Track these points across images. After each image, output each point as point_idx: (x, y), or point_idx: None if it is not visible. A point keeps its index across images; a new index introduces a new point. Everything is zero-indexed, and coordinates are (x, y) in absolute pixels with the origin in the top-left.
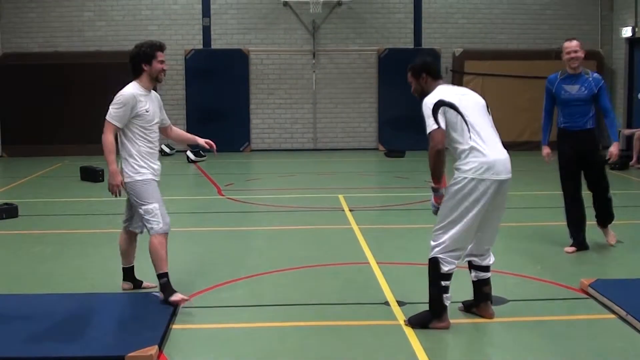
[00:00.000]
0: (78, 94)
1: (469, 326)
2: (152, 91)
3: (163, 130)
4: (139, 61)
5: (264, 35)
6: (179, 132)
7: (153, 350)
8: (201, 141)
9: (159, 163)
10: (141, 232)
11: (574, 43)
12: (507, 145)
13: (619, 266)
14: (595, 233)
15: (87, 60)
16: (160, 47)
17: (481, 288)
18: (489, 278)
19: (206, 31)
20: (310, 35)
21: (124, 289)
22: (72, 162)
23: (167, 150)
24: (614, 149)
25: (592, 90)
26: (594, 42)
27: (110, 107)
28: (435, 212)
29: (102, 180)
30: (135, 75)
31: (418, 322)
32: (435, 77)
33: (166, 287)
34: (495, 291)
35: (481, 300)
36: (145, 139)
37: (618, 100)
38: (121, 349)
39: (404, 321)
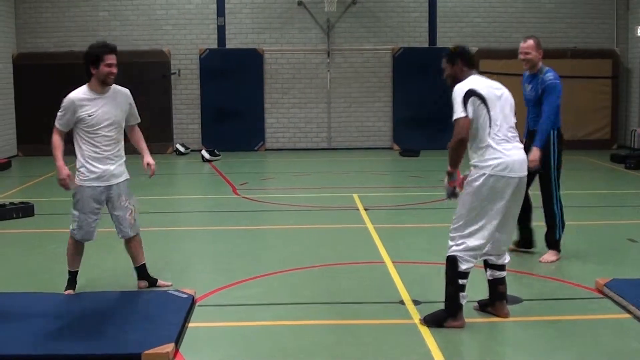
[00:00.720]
0: None
1: (484, 325)
2: (119, 90)
3: (127, 130)
4: (87, 64)
5: (278, 35)
6: (137, 138)
7: (169, 348)
8: (144, 161)
9: (105, 167)
10: (122, 237)
11: (527, 43)
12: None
13: (634, 266)
14: (606, 233)
15: None
16: (110, 50)
17: (497, 287)
18: (504, 277)
19: (221, 30)
20: (325, 34)
21: (140, 287)
22: None
23: (181, 149)
24: (532, 156)
25: (538, 91)
26: (609, 41)
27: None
28: (450, 196)
29: None
30: (87, 77)
31: (433, 321)
32: (470, 65)
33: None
34: (510, 290)
35: (496, 299)
36: (89, 142)
37: (633, 99)
38: (138, 346)
39: (419, 320)
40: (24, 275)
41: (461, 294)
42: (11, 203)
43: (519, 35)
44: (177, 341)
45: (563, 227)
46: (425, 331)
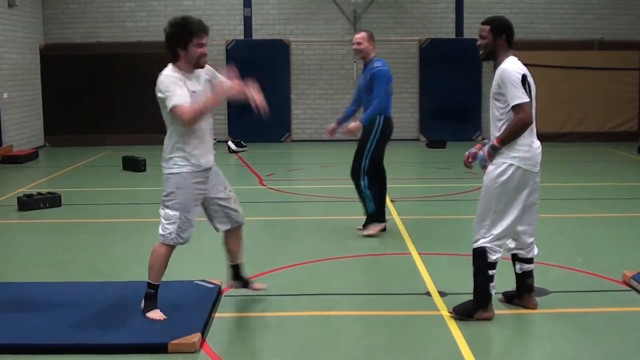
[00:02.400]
0: (120, 85)
1: (510, 317)
2: (199, 69)
3: None
4: (174, 44)
5: (305, 26)
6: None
7: (196, 337)
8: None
9: (206, 155)
10: (234, 224)
11: (360, 35)
12: (548, 137)
13: None
14: (634, 226)
15: (128, 50)
16: (202, 28)
17: (525, 280)
18: (532, 270)
19: (247, 21)
20: (352, 25)
21: (231, 288)
22: (114, 152)
23: None
24: (350, 126)
25: (367, 79)
26: (636, 33)
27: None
28: (482, 165)
29: (144, 170)
30: (172, 60)
31: (463, 313)
32: (511, 44)
33: (147, 298)
34: (537, 283)
35: (524, 292)
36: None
37: None
38: (164, 336)
39: (449, 311)
40: (51, 264)
41: (491, 284)
42: (38, 193)
43: (546, 26)
44: (204, 331)
45: (376, 203)
46: (451, 322)
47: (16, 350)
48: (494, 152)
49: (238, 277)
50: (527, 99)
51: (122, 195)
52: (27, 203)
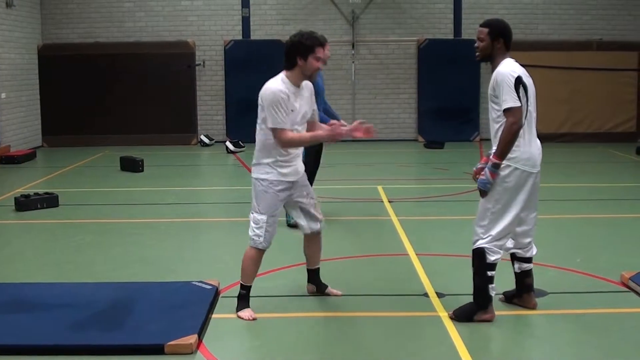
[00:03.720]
0: (118, 85)
1: (509, 318)
2: (307, 83)
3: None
4: (294, 53)
5: (303, 26)
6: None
7: (193, 339)
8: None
9: (293, 164)
10: (313, 231)
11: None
12: (547, 137)
13: None
14: (632, 226)
15: (126, 50)
16: (323, 42)
17: (524, 279)
18: (531, 269)
19: (245, 22)
20: (350, 25)
21: (308, 292)
22: (112, 152)
23: (206, 140)
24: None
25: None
26: (635, 33)
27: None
28: (486, 189)
29: (142, 171)
30: (288, 67)
31: (463, 315)
32: (508, 47)
33: (240, 299)
34: (535, 283)
35: (524, 292)
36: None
37: None
38: (161, 337)
39: (448, 314)
40: (48, 265)
41: (490, 285)
42: (36, 193)
43: (545, 27)
44: (201, 332)
45: None
46: (449, 323)
47: (12, 351)
48: (496, 169)
49: (314, 281)
50: (518, 104)
51: (120, 196)
52: (24, 203)
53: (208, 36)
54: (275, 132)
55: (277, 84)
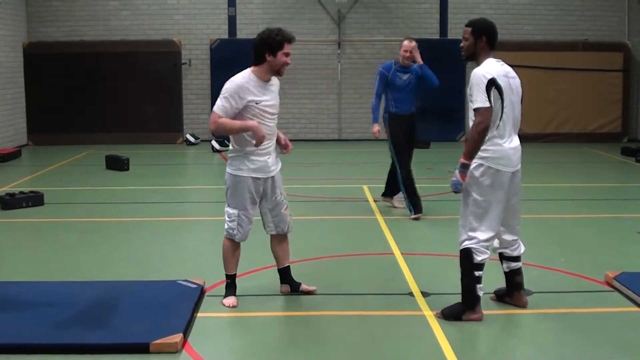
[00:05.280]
0: (103, 83)
1: (494, 317)
2: (276, 80)
3: None
4: (263, 49)
5: (289, 25)
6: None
7: (178, 338)
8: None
9: (263, 159)
10: (279, 232)
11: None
12: (532, 137)
13: None
14: (616, 227)
15: (112, 49)
16: (291, 39)
17: (513, 278)
18: (520, 267)
19: (231, 21)
20: (336, 25)
21: (282, 292)
22: (97, 151)
23: (191, 139)
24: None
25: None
26: (621, 34)
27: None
28: (457, 190)
29: (128, 169)
30: (256, 63)
31: (451, 315)
32: (492, 46)
33: (226, 288)
34: None
35: (514, 290)
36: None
37: None
38: (146, 336)
39: (435, 314)
40: (34, 264)
41: (478, 285)
42: (21, 192)
43: (530, 27)
44: (186, 331)
45: (406, 196)
46: (434, 323)
47: None
48: (465, 169)
49: (286, 280)
50: (487, 105)
51: (106, 195)
52: (9, 202)
53: (194, 35)
54: (212, 114)
55: (240, 77)
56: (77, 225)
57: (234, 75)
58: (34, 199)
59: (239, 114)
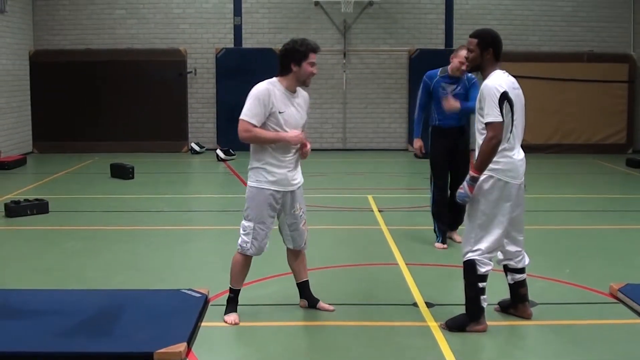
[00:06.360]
0: (109, 91)
1: (498, 328)
2: (303, 93)
3: None
4: (288, 59)
5: (294, 35)
6: None
7: (182, 347)
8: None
9: (283, 172)
10: (295, 248)
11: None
12: (537, 148)
13: None
14: (621, 238)
15: (118, 57)
16: (316, 48)
17: (518, 290)
18: (525, 279)
19: (237, 30)
20: (341, 35)
21: (300, 306)
22: (102, 159)
23: (196, 148)
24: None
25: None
26: (626, 45)
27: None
28: (464, 202)
29: (132, 178)
30: (282, 73)
31: (455, 326)
32: (498, 58)
33: (228, 302)
34: None
35: (518, 302)
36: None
37: None
38: (150, 345)
39: (440, 325)
40: (39, 272)
41: (482, 297)
42: (26, 200)
43: (535, 38)
44: (190, 341)
45: (435, 220)
46: (438, 334)
47: (0, 358)
48: (473, 183)
49: (305, 295)
50: (499, 119)
51: (110, 203)
52: (14, 209)
53: (200, 44)
54: (240, 122)
55: (267, 82)
56: (82, 233)
57: (239, 84)
58: (39, 207)
59: (262, 124)
